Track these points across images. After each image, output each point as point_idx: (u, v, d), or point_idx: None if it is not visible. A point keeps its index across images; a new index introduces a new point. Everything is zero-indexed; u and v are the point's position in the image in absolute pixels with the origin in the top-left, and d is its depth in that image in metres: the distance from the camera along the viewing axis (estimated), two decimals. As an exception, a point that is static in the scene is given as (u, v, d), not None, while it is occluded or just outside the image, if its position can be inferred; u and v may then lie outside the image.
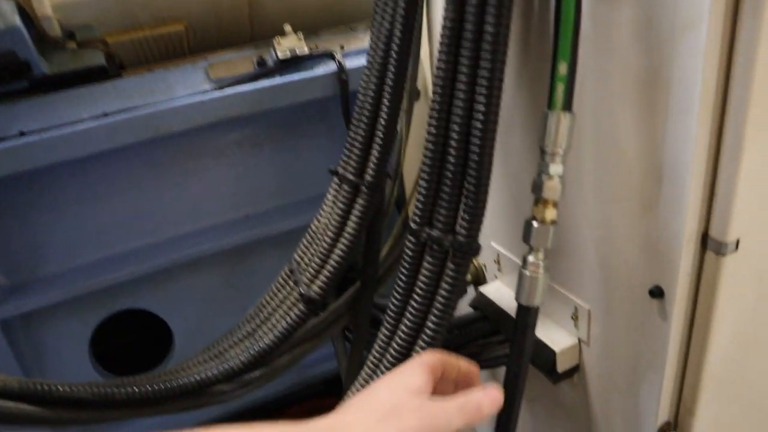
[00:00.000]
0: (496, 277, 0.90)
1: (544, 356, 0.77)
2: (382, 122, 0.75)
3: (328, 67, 1.12)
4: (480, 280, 0.94)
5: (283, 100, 1.08)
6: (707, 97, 0.50)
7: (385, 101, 0.74)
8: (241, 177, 1.20)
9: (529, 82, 0.69)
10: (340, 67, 1.08)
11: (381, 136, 0.76)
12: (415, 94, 0.96)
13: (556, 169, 0.58)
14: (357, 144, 0.78)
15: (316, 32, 1.33)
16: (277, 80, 1.08)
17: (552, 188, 0.58)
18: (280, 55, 1.11)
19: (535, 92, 0.68)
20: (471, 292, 0.94)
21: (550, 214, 0.59)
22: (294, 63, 1.13)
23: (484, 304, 0.86)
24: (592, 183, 0.65)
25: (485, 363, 0.82)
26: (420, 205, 0.66)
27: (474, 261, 0.92)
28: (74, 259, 1.13)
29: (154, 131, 1.02)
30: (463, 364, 0.59)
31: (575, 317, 0.75)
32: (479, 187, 0.61)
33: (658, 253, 0.59)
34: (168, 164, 1.13)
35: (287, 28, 1.16)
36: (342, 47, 1.19)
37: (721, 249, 0.54)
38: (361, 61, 1.12)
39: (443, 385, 0.57)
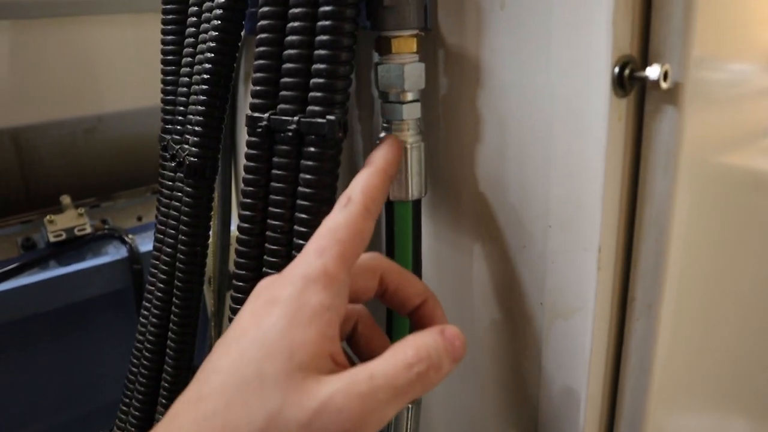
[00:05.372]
0: None
1: None
2: (171, 357, 0.53)
3: (119, 251, 0.88)
4: None
5: (53, 301, 0.82)
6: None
7: (174, 326, 0.53)
8: (7, 389, 0.89)
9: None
10: (131, 252, 0.84)
11: (170, 371, 0.54)
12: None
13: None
14: (138, 393, 0.55)
15: (111, 197, 1.11)
16: (46, 274, 0.83)
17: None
18: (52, 238, 0.87)
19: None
20: None
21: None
22: (74, 245, 0.89)
23: None
24: None
25: None
26: None
27: None
28: None
29: None
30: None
31: None
32: None
33: None
34: None
35: (65, 200, 0.92)
36: (140, 218, 0.98)
37: None
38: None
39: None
